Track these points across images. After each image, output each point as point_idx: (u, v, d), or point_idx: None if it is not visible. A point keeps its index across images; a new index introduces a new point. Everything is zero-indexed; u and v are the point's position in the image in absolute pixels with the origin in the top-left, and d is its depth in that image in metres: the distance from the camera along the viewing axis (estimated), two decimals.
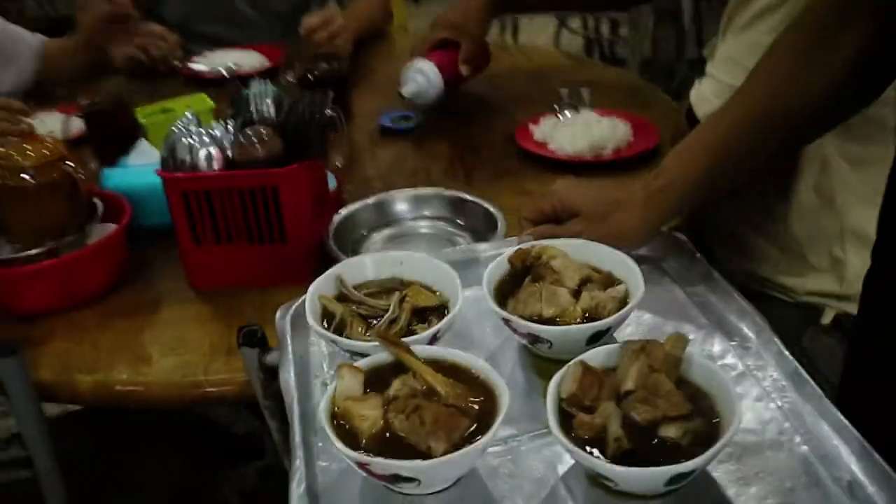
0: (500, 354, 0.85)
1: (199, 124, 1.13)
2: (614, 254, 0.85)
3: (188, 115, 1.15)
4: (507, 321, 0.80)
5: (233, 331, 1.05)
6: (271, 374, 0.91)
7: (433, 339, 0.79)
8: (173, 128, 1.13)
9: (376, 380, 0.73)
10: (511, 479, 0.71)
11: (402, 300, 0.83)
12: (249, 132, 1.11)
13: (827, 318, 1.20)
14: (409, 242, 1.19)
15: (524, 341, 0.81)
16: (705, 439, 0.66)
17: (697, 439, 0.67)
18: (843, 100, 0.87)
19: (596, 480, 0.69)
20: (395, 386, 0.72)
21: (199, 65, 1.91)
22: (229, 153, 1.11)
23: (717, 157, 0.89)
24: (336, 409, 0.70)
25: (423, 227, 1.21)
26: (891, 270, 0.82)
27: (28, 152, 1.16)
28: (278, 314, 0.90)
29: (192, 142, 1.11)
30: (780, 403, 0.75)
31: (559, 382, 0.71)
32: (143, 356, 1.06)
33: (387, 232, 1.21)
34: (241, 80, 1.46)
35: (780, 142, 0.90)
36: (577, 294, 0.81)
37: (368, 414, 0.69)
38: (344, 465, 0.72)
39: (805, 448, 0.71)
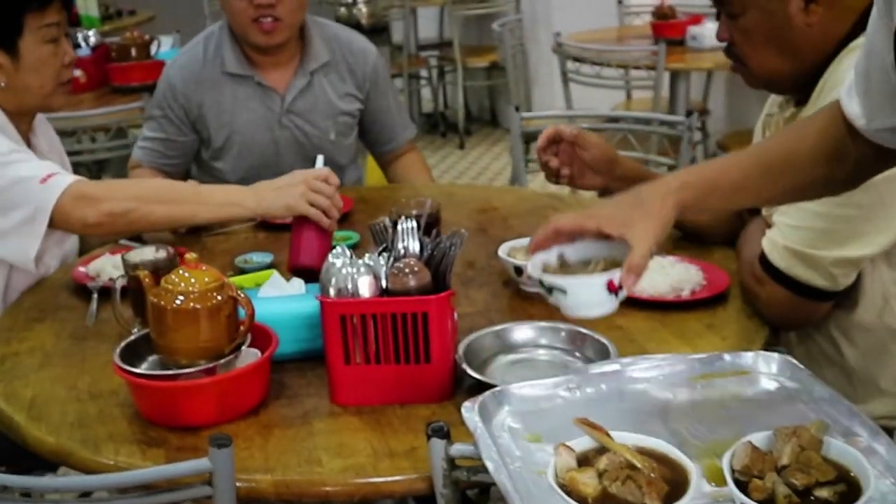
0: None
1: (352, 257, 1.49)
2: None
3: (339, 248, 1.51)
4: None
5: (389, 438, 1.40)
6: (452, 465, 1.24)
7: None
8: (332, 259, 1.48)
9: (582, 459, 1.07)
10: None
11: None
12: (401, 265, 1.46)
13: None
14: (530, 367, 1.54)
15: None
16: (849, 498, 1.01)
17: (843, 498, 1.01)
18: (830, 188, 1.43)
19: None
20: (603, 461, 1.05)
21: None
22: (383, 283, 1.46)
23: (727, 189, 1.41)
24: (560, 479, 1.03)
25: (542, 354, 1.56)
26: None
27: (192, 279, 1.49)
28: (465, 411, 1.21)
29: (350, 271, 1.45)
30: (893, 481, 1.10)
31: (731, 458, 1.05)
32: (312, 459, 1.37)
33: (510, 357, 1.56)
34: None
35: (770, 196, 1.47)
36: None
37: (589, 482, 1.03)
38: None
39: None
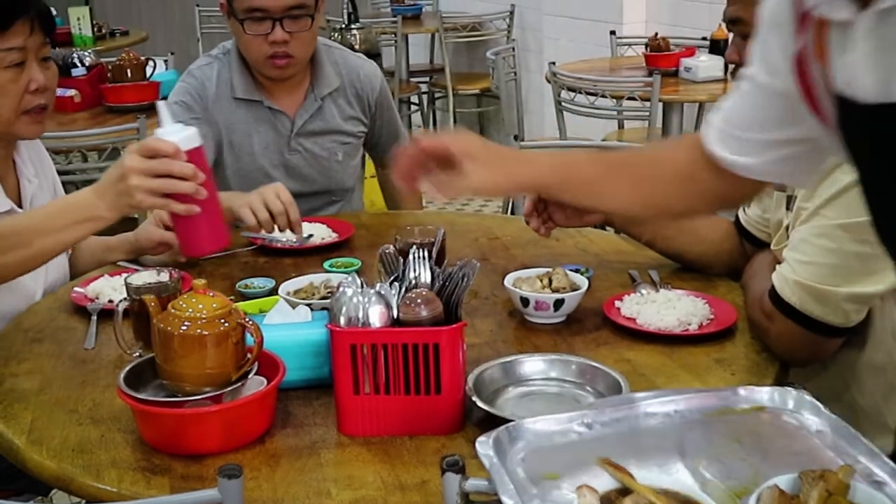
0: None
1: (362, 286, 1.46)
2: None
3: (350, 276, 1.48)
4: None
5: (399, 471, 1.37)
6: (467, 500, 1.20)
7: None
8: (343, 287, 1.45)
9: (605, 500, 1.04)
10: None
11: None
12: (413, 294, 1.43)
13: None
14: (540, 400, 1.51)
15: None
16: None
17: None
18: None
19: None
20: (627, 503, 1.03)
21: (273, 233, 2.24)
22: (394, 312, 1.43)
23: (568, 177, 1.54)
24: None
25: (552, 387, 1.54)
26: None
27: (200, 304, 1.46)
28: (479, 446, 1.18)
29: (361, 300, 1.43)
30: None
31: (756, 502, 1.03)
32: (321, 490, 1.33)
33: (519, 389, 1.53)
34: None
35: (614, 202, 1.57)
36: None
37: None
38: None
39: None
